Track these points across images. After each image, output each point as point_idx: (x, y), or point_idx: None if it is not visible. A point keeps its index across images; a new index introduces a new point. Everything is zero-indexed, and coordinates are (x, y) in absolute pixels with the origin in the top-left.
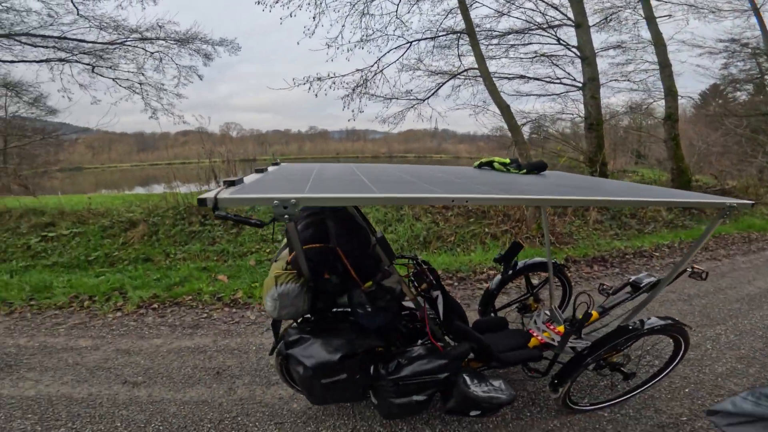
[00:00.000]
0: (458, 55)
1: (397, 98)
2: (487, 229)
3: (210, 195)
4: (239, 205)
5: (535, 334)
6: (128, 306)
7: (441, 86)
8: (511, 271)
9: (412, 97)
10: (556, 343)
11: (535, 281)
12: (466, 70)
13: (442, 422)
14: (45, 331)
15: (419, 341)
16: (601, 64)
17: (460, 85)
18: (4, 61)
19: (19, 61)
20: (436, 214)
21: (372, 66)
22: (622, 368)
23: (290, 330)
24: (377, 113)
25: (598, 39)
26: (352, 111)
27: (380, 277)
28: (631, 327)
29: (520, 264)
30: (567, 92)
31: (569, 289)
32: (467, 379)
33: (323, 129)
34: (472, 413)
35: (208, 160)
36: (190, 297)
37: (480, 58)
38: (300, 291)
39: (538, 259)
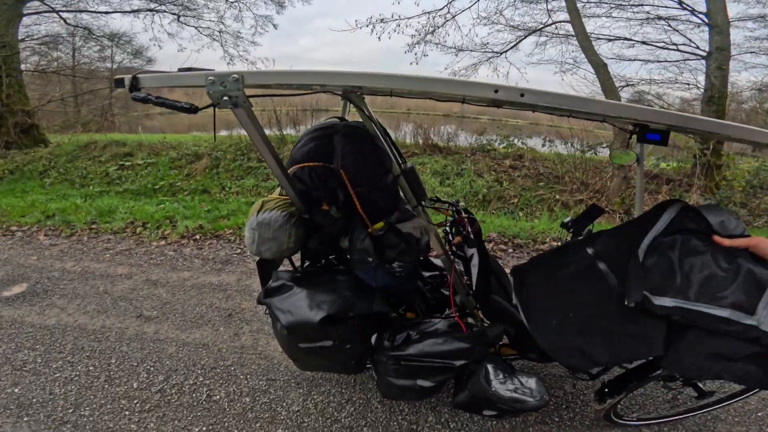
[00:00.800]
0: (547, 10)
1: (471, 50)
2: (558, 196)
3: (128, 75)
4: (164, 84)
5: None
6: (173, 235)
7: (522, 40)
8: None
9: (487, 50)
10: None
11: None
12: (554, 23)
13: (450, 410)
14: (92, 256)
15: (444, 313)
16: (734, 35)
17: (546, 42)
18: (101, 12)
19: (114, 12)
20: (501, 173)
21: (441, 10)
22: (698, 383)
23: (277, 273)
24: (447, 64)
25: (734, 9)
26: (415, 54)
27: (396, 218)
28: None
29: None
30: (685, 60)
31: None
32: (490, 371)
33: None
34: (486, 413)
35: (273, 107)
36: (231, 231)
37: (574, 12)
38: (285, 222)
39: None
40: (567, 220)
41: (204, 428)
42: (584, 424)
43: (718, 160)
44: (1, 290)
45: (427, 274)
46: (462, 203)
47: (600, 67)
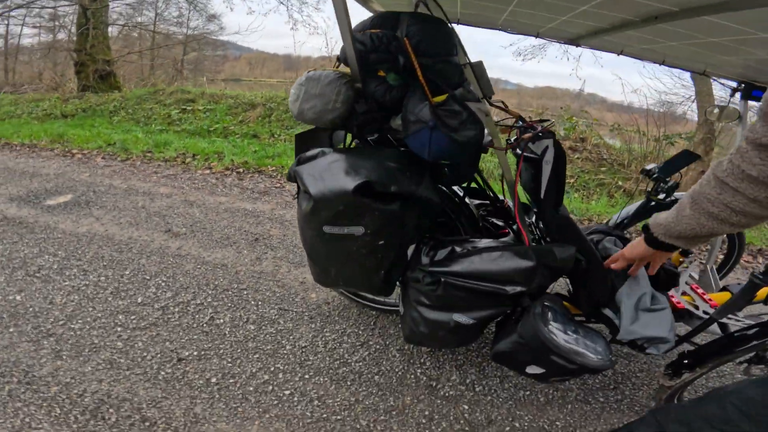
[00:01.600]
0: None
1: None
2: (621, 183)
3: None
4: None
5: (671, 296)
6: (218, 166)
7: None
8: (664, 195)
9: None
10: (701, 314)
11: None
12: None
13: (478, 371)
14: (141, 177)
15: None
16: None
17: None
18: None
19: None
20: None
21: None
22: None
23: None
24: (513, 41)
25: None
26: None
27: (461, 94)
28: None
29: (679, 194)
30: None
31: (738, 251)
32: (549, 312)
33: None
34: (531, 370)
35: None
36: (274, 168)
37: None
38: (336, 79)
39: None
40: (651, 166)
41: (195, 353)
42: (633, 409)
43: None
44: (46, 199)
45: (476, 201)
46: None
47: None
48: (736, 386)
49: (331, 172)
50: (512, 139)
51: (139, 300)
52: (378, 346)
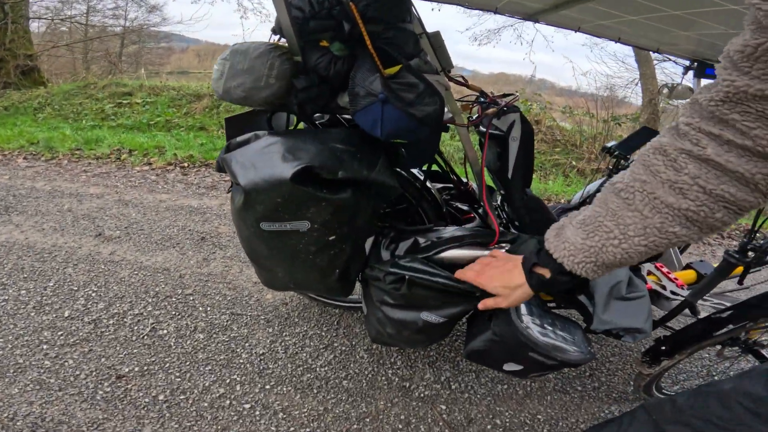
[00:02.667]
0: None
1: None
2: (574, 162)
3: None
4: None
5: None
6: (159, 161)
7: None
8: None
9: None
10: (668, 294)
11: None
12: None
13: (452, 366)
14: (67, 177)
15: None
16: None
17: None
18: None
19: None
20: None
21: None
22: (762, 351)
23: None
24: (470, 26)
25: None
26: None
27: (417, 64)
28: None
29: None
30: None
31: None
32: (522, 306)
33: None
34: (509, 367)
35: None
36: None
37: None
38: (268, 51)
39: None
40: (610, 144)
41: (136, 368)
42: (611, 396)
43: None
44: None
45: (438, 185)
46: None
47: None
48: (735, 383)
49: (265, 159)
50: (474, 117)
51: (66, 314)
52: (344, 348)
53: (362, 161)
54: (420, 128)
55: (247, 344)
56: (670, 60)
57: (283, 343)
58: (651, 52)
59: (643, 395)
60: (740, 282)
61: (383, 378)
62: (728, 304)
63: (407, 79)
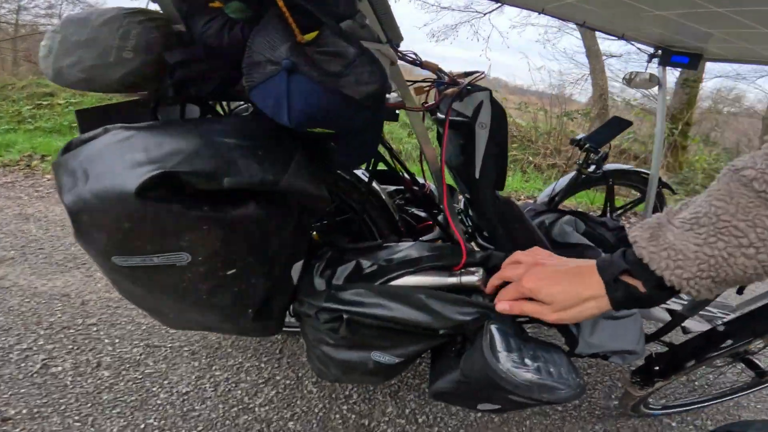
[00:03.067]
0: None
1: (453, 9)
2: (531, 158)
3: None
4: None
5: None
6: None
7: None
8: (594, 167)
9: (470, 9)
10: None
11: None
12: None
13: (417, 396)
14: None
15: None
16: None
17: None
18: None
19: None
20: None
21: None
22: (754, 360)
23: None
24: (427, 22)
25: None
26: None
27: (350, 27)
28: None
29: (609, 165)
30: None
31: None
32: (497, 337)
33: None
34: (483, 407)
35: None
36: None
37: None
38: (121, 17)
39: (633, 167)
40: (579, 136)
41: (24, 410)
42: (594, 414)
43: (684, 142)
44: None
45: (390, 188)
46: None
47: (587, 31)
48: None
49: (106, 163)
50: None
51: None
52: (288, 382)
53: (266, 162)
54: (350, 110)
55: (165, 382)
56: (621, 53)
57: (212, 379)
58: (603, 41)
59: (629, 413)
60: (740, 290)
61: (337, 416)
62: (716, 311)
63: (332, 46)
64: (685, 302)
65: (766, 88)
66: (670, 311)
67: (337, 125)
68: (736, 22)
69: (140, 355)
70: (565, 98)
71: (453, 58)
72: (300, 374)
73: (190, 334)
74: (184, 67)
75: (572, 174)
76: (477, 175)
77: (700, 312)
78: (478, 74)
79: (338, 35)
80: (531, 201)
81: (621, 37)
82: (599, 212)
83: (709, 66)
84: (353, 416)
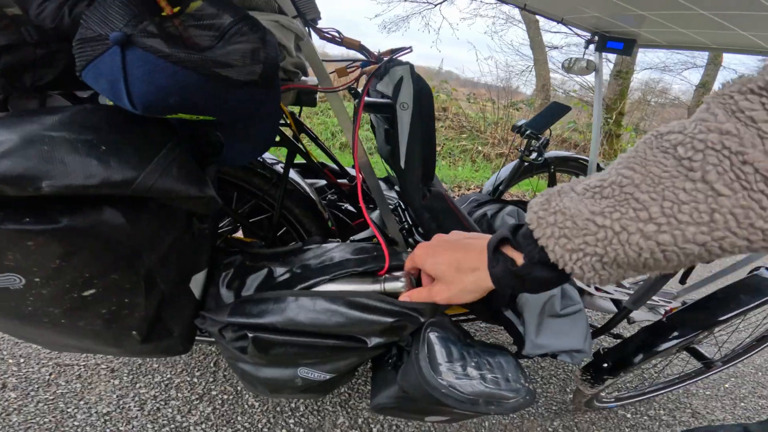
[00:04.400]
0: None
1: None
2: (480, 148)
3: None
4: None
5: None
6: None
7: None
8: (536, 154)
9: (422, 1)
10: (592, 290)
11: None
12: None
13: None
14: None
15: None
16: None
17: None
18: None
19: None
20: None
21: None
22: (699, 349)
23: None
24: (379, 13)
25: None
26: None
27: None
28: None
29: (550, 153)
30: None
31: None
32: (436, 347)
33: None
34: (431, 419)
35: None
36: None
37: None
38: None
39: (574, 153)
40: (521, 122)
41: None
42: (551, 409)
43: (618, 130)
44: None
45: (320, 183)
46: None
47: (531, 23)
48: None
49: None
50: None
51: None
52: (226, 397)
53: (113, 159)
54: (221, 92)
55: (82, 402)
56: (563, 45)
57: (137, 398)
58: (546, 33)
59: (584, 408)
60: (682, 281)
61: (284, 430)
62: (658, 299)
63: (207, 19)
64: (631, 293)
65: (691, 79)
66: (616, 303)
67: (209, 111)
68: (668, 4)
69: (49, 375)
70: (511, 89)
71: (415, 61)
72: (239, 388)
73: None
74: (10, 52)
75: (515, 162)
76: (402, 165)
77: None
78: (404, 49)
79: (215, 3)
80: (479, 191)
81: (560, 21)
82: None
83: (640, 58)
84: (302, 430)
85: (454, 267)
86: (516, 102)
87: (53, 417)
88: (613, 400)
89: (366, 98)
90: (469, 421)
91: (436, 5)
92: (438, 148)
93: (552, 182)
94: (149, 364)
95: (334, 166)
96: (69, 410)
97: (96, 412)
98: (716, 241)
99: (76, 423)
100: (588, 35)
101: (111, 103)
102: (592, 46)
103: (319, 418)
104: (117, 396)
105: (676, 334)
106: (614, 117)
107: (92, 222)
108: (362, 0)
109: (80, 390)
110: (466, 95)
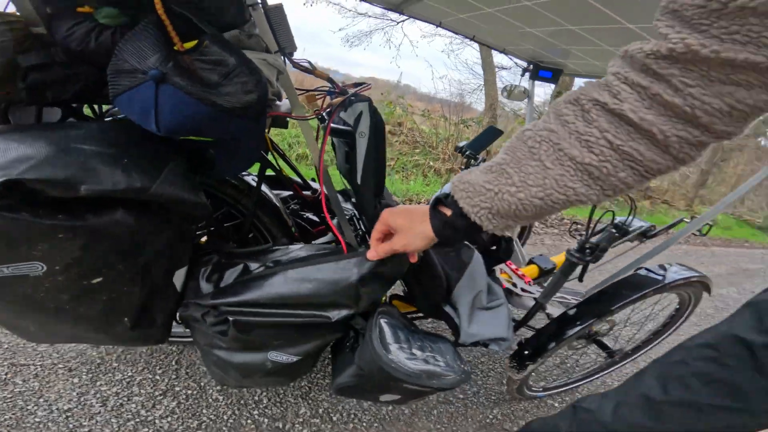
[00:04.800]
0: None
1: (370, 15)
2: (432, 163)
3: None
4: None
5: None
6: None
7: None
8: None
9: (386, 18)
10: (519, 291)
11: None
12: None
13: (330, 395)
14: None
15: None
16: None
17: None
18: None
19: None
20: None
21: None
22: (603, 340)
23: None
24: (343, 27)
25: None
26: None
27: (234, 37)
28: (651, 276)
29: None
30: None
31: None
32: (386, 330)
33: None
34: (385, 398)
35: None
36: None
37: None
38: None
39: None
40: (462, 143)
41: None
42: (491, 399)
43: None
44: None
45: (285, 193)
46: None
47: (483, 46)
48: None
49: None
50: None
51: None
52: (190, 392)
53: (133, 169)
54: (224, 121)
55: (41, 400)
56: (511, 66)
57: (98, 395)
58: (497, 55)
59: (516, 396)
60: (580, 279)
61: (249, 422)
62: (570, 298)
63: (212, 55)
64: (541, 290)
65: None
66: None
67: (212, 134)
68: (588, 41)
69: (5, 374)
70: (464, 106)
71: (367, 65)
72: (203, 384)
73: (64, 350)
74: (39, 70)
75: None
76: (359, 181)
77: (560, 299)
78: (364, 85)
79: (217, 42)
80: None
81: (503, 51)
82: None
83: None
84: (266, 420)
85: (408, 221)
86: (466, 120)
87: (13, 414)
88: (541, 389)
89: (331, 125)
90: (419, 407)
91: (398, 23)
92: (392, 163)
93: None
94: (109, 363)
95: (299, 179)
96: (29, 407)
97: (57, 409)
98: (548, 197)
99: (37, 419)
100: (525, 64)
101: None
102: (527, 74)
103: (282, 409)
104: (77, 393)
105: (578, 322)
106: None
107: (109, 220)
108: (327, 13)
109: (38, 388)
110: (422, 110)
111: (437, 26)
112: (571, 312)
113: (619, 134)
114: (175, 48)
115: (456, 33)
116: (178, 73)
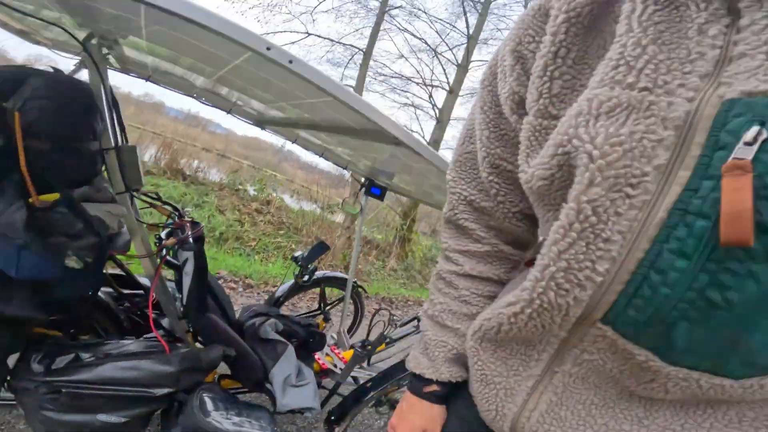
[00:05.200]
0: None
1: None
2: (294, 246)
3: None
4: None
5: (317, 358)
6: None
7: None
8: (307, 277)
9: None
10: (338, 371)
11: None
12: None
13: None
14: None
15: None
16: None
17: None
18: None
19: None
20: (245, 214)
21: None
22: None
23: None
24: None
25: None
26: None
27: (84, 194)
28: None
29: (319, 273)
30: None
31: (360, 315)
32: (207, 401)
33: (160, 100)
34: None
35: None
36: None
37: (361, 80)
38: None
39: (339, 273)
40: (297, 254)
41: None
42: None
43: (409, 235)
44: None
45: (126, 291)
46: (190, 211)
47: None
48: None
49: None
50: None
51: None
52: None
53: None
54: (70, 271)
55: None
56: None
57: None
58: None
59: None
60: (368, 364)
61: None
62: (374, 374)
63: (63, 221)
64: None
65: None
66: (354, 377)
67: (47, 277)
68: (404, 169)
69: None
70: (344, 180)
71: (253, 127)
72: None
73: None
74: None
75: (291, 282)
76: (184, 302)
77: (362, 373)
78: (197, 228)
79: (71, 207)
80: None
81: (344, 168)
82: (316, 306)
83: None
84: None
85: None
86: (332, 205)
87: None
88: None
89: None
90: None
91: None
92: (253, 244)
93: (322, 295)
94: None
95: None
96: None
97: None
98: (441, 312)
99: None
100: (362, 179)
101: None
102: (362, 190)
103: None
104: None
105: (372, 392)
106: (408, 223)
107: None
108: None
109: None
110: (300, 183)
111: (293, 142)
112: (368, 384)
113: (478, 286)
114: (30, 200)
115: (306, 149)
116: (34, 238)
